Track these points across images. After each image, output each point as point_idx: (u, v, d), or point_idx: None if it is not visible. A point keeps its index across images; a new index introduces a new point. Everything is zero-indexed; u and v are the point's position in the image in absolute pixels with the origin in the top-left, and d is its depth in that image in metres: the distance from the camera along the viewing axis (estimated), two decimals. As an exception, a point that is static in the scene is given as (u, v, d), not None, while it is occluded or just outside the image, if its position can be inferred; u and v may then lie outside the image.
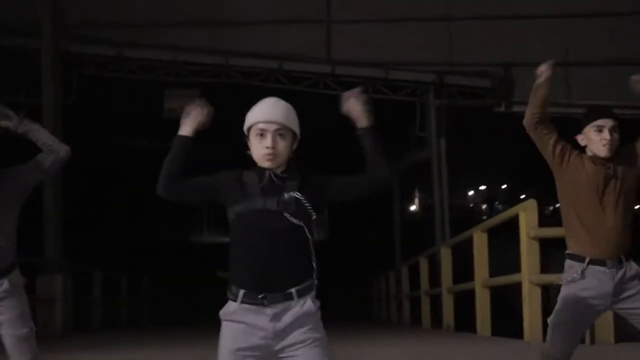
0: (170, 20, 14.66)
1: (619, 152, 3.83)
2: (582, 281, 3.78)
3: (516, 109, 14.17)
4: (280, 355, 2.73)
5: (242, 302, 2.69)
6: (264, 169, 2.75)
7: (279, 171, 2.77)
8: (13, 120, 4.13)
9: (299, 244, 2.74)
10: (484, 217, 28.62)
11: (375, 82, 14.92)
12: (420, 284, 12.79)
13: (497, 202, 41.47)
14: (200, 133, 2.88)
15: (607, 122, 3.75)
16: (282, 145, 2.74)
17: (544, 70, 3.79)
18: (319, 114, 15.87)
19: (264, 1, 14.87)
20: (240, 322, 2.72)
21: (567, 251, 3.91)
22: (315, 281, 2.77)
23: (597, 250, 3.74)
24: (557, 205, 4.14)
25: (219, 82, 15.17)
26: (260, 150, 2.73)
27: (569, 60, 13.84)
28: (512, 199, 32.02)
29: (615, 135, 3.74)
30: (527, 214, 7.32)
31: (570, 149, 3.84)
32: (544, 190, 10.23)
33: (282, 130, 2.76)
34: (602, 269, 3.71)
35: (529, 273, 7.17)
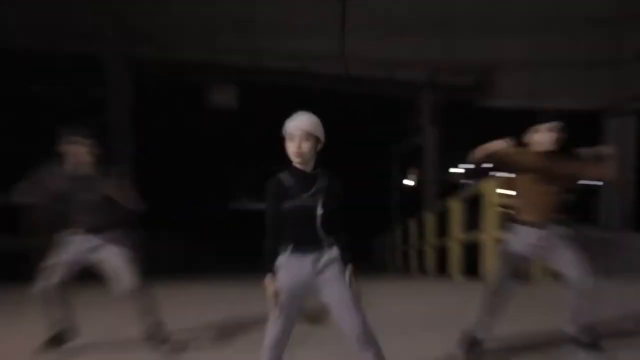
0: (214, 28, 14.55)
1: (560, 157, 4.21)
2: (519, 236, 4.33)
3: (494, 103, 14.48)
4: (319, 287, 3.29)
5: (292, 253, 3.27)
6: (297, 170, 3.28)
7: (308, 169, 3.29)
8: None
9: (323, 220, 3.25)
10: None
11: (382, 82, 15.01)
12: (409, 240, 13.12)
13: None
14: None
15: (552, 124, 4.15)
16: (306, 146, 3.22)
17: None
18: (333, 107, 16.32)
19: (291, 14, 14.68)
20: (290, 267, 3.28)
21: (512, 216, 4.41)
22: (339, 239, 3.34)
23: (532, 217, 4.28)
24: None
25: (253, 80, 15.27)
26: (291, 149, 3.23)
27: (539, 61, 14.04)
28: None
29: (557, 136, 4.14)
30: (489, 189, 7.90)
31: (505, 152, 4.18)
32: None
33: (306, 136, 3.22)
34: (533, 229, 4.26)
35: (489, 232, 7.85)
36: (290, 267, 3.28)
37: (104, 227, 4.54)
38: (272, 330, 3.29)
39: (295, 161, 3.25)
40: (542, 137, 4.20)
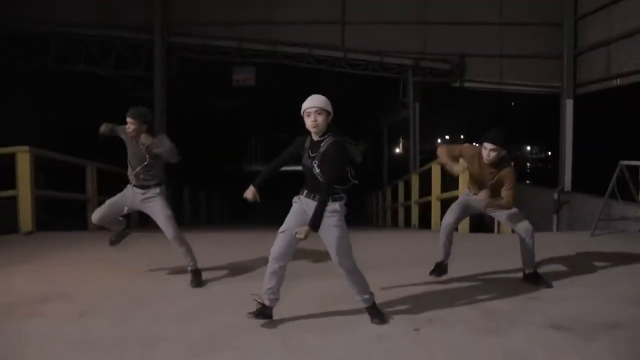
0: (237, 20, 14.69)
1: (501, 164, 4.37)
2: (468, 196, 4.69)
3: (466, 84, 14.39)
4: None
5: (305, 196, 3.57)
6: (311, 137, 3.52)
7: (318, 137, 3.50)
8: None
9: (317, 177, 3.49)
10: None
11: (374, 64, 14.91)
12: (398, 198, 13.20)
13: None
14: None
15: (497, 147, 4.24)
16: (321, 119, 3.45)
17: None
18: (334, 83, 16.32)
19: (299, 7, 14.73)
20: (302, 204, 3.59)
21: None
22: (343, 195, 3.55)
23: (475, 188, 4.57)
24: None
25: (269, 63, 15.21)
26: (309, 123, 3.45)
27: (502, 53, 14.09)
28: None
29: (494, 154, 4.26)
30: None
31: (468, 150, 4.52)
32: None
33: (319, 111, 3.45)
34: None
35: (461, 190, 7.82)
36: (301, 203, 3.60)
37: (150, 184, 4.72)
38: (277, 243, 3.57)
39: (313, 132, 3.49)
40: (484, 152, 4.33)
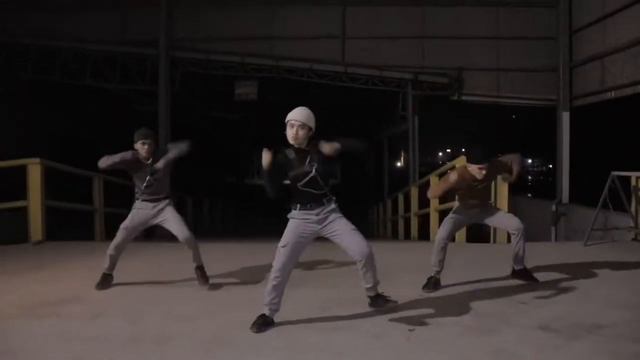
0: (240, 35, 14.97)
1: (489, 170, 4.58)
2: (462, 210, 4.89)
3: (464, 98, 14.55)
4: (324, 232, 3.75)
5: (300, 210, 3.72)
6: (295, 148, 3.66)
7: (302, 147, 3.68)
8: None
9: (319, 183, 3.69)
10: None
11: (373, 78, 15.06)
12: (398, 210, 13.21)
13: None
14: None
15: (484, 165, 4.50)
16: (302, 133, 3.64)
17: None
18: (335, 97, 16.56)
19: (301, 23, 14.97)
20: (299, 219, 3.73)
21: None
22: (333, 197, 3.76)
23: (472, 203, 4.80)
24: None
25: (271, 77, 15.38)
26: (289, 134, 3.64)
27: (500, 66, 14.31)
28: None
29: (484, 172, 4.51)
30: (460, 165, 8.22)
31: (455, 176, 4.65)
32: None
33: (302, 125, 3.64)
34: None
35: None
36: (299, 219, 3.72)
37: (159, 198, 4.96)
38: (278, 257, 3.74)
39: (292, 142, 3.67)
40: (477, 171, 4.56)
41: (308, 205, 3.70)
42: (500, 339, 3.59)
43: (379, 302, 4.02)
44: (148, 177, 4.86)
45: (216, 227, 17.98)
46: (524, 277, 4.79)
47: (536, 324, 3.86)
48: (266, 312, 3.81)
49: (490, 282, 5.11)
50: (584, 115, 13.76)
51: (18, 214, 8.06)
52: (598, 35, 12.02)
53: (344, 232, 3.73)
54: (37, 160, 7.78)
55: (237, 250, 7.69)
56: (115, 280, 5.18)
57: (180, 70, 15.31)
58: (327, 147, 3.57)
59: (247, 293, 4.85)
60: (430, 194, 4.90)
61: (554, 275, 5.27)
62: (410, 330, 3.76)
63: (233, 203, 22.57)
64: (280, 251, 3.73)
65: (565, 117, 13.23)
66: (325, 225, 3.73)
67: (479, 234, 9.12)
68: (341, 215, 3.76)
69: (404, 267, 5.84)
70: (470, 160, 4.57)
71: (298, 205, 3.72)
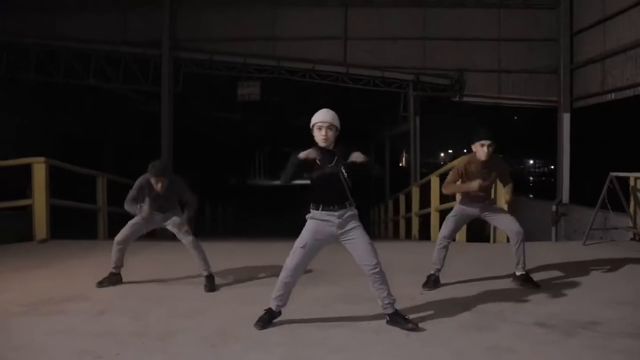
0: (242, 36, 15.13)
1: (492, 158, 4.65)
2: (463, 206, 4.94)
3: (466, 99, 14.58)
4: (342, 238, 3.75)
5: (322, 210, 3.70)
6: (322, 148, 3.67)
7: (330, 147, 3.71)
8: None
9: (344, 185, 3.70)
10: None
11: (375, 79, 15.16)
12: (399, 211, 13.24)
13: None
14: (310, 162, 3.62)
15: (487, 142, 4.57)
16: (331, 134, 3.68)
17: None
18: (337, 97, 16.54)
19: (303, 24, 15.08)
20: (320, 220, 3.72)
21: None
22: (354, 202, 3.76)
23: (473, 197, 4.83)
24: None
25: (273, 78, 15.46)
26: (319, 137, 3.67)
27: (500, 68, 14.38)
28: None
29: (490, 149, 4.57)
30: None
31: (462, 169, 4.71)
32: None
33: (330, 126, 3.69)
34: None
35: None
36: (320, 219, 3.72)
37: (167, 209, 5.08)
38: (294, 257, 3.76)
39: (322, 145, 3.68)
40: (480, 149, 4.63)
41: (331, 207, 3.70)
42: (496, 335, 3.67)
43: (399, 322, 3.80)
44: (157, 199, 5.00)
45: (218, 229, 18.03)
46: (525, 282, 4.85)
47: (533, 320, 3.94)
48: (273, 307, 3.87)
49: (489, 281, 5.18)
50: (584, 116, 13.83)
51: (23, 213, 8.16)
52: (599, 36, 12.08)
53: (359, 243, 3.73)
54: (42, 159, 7.88)
55: (240, 249, 7.76)
56: (119, 278, 5.27)
57: (183, 70, 15.42)
58: (359, 157, 3.60)
59: (250, 290, 4.93)
60: (445, 189, 4.91)
61: (552, 274, 5.35)
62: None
63: (235, 204, 22.67)
64: (297, 251, 3.74)
65: (565, 119, 13.30)
66: (344, 231, 3.73)
67: (479, 235, 9.21)
68: (360, 224, 3.77)
69: (405, 266, 5.88)
70: (476, 137, 4.61)
71: (320, 205, 3.72)
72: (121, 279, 5.17)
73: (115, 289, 5.02)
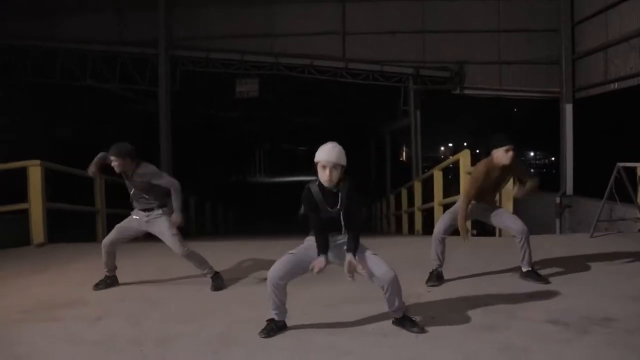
0: (240, 33, 15.03)
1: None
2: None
3: (466, 92, 14.53)
4: (337, 262, 3.61)
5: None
6: (324, 188, 3.51)
7: (333, 188, 3.51)
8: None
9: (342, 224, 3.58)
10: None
11: (374, 73, 15.11)
12: (401, 206, 13.14)
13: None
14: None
15: (510, 145, 4.55)
16: (335, 173, 3.47)
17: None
18: (336, 92, 16.47)
19: (300, 19, 15.05)
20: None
21: None
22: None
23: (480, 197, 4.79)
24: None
25: (271, 74, 15.44)
26: (323, 176, 3.47)
27: (501, 59, 14.30)
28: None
29: (511, 153, 4.54)
30: (464, 158, 8.04)
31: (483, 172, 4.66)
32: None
33: (335, 166, 3.46)
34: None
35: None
36: (312, 243, 3.60)
37: (152, 207, 4.86)
38: (279, 263, 3.58)
39: (326, 185, 3.51)
40: (505, 155, 4.58)
41: (337, 233, 3.63)
42: (508, 334, 3.54)
43: (405, 324, 3.68)
44: (132, 190, 4.84)
45: (219, 229, 17.89)
46: (533, 278, 4.73)
47: (545, 318, 3.80)
48: (274, 317, 3.70)
49: (496, 275, 5.06)
50: (587, 107, 13.68)
51: (20, 217, 8.02)
52: (601, 26, 11.95)
53: (366, 260, 3.57)
54: (38, 162, 7.73)
55: (239, 249, 7.51)
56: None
57: (180, 69, 15.35)
58: (352, 269, 3.49)
59: (250, 292, 4.80)
60: (464, 195, 4.83)
61: (560, 268, 5.21)
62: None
63: (235, 203, 22.56)
64: (285, 257, 3.60)
65: (568, 109, 13.18)
66: (336, 257, 3.62)
67: (482, 228, 9.09)
68: (366, 248, 3.62)
69: (408, 262, 5.71)
70: (496, 144, 4.58)
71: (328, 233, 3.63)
72: (117, 280, 5.06)
73: (114, 292, 4.90)
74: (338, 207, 3.52)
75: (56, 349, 3.52)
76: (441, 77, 14.83)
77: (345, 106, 19.43)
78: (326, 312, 4.10)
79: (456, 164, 8.57)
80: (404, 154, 37.00)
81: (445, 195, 9.40)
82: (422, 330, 3.61)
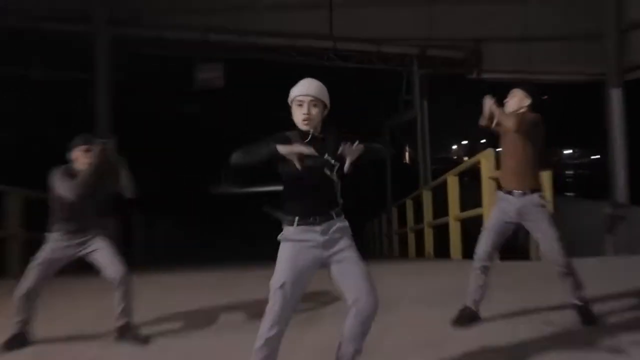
0: (200, 6, 14.70)
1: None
2: (500, 204, 4.61)
3: (485, 75, 14.59)
4: (330, 260, 3.18)
5: (298, 224, 3.17)
6: (305, 131, 3.20)
7: (316, 132, 3.22)
8: None
9: (334, 186, 3.23)
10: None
11: (370, 55, 15.11)
12: (406, 221, 13.07)
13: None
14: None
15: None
16: (315, 112, 3.19)
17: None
18: (321, 80, 16.28)
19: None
20: (297, 241, 3.17)
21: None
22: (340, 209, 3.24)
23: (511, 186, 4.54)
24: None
25: (240, 58, 15.36)
26: (299, 116, 3.18)
27: (527, 35, 14.17)
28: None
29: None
30: (486, 160, 7.77)
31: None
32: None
33: (314, 101, 3.20)
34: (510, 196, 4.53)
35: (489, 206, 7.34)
36: (297, 240, 3.20)
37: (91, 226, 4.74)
38: (275, 303, 3.13)
39: (303, 128, 3.21)
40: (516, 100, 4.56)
41: (311, 219, 3.18)
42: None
43: None
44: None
45: (174, 252, 17.57)
46: (584, 315, 4.39)
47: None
48: None
49: (540, 314, 4.68)
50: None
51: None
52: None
53: (352, 271, 3.19)
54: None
55: (202, 282, 7.44)
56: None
57: (124, 52, 15.02)
58: (354, 152, 3.07)
59: (219, 343, 4.46)
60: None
61: (623, 305, 4.85)
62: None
63: (195, 219, 22.44)
64: (275, 294, 3.13)
65: (616, 95, 13.07)
66: (333, 254, 3.19)
67: (511, 246, 8.79)
68: (353, 243, 3.24)
69: (419, 296, 5.52)
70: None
71: (296, 218, 3.19)
72: (29, 336, 4.68)
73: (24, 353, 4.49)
74: (320, 153, 3.13)
75: None
76: (453, 58, 14.90)
77: (333, 97, 19.29)
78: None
79: (476, 167, 8.34)
80: (407, 155, 36.96)
81: (463, 208, 9.17)
82: None
